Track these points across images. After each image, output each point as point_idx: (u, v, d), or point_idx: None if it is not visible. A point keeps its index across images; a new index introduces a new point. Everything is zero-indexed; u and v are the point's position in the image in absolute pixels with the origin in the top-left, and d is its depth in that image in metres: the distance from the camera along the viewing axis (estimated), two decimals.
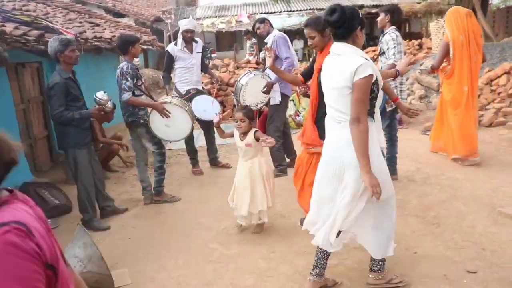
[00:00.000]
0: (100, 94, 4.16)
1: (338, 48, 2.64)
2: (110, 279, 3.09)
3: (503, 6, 19.38)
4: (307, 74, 3.81)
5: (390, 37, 4.43)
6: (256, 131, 3.84)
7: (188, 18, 5.66)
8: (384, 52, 4.50)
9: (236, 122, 3.84)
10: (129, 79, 4.45)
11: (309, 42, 3.49)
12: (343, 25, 2.56)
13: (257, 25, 5.36)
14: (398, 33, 4.47)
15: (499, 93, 7.96)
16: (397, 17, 4.60)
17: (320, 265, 2.90)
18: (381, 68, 4.62)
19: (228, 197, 4.05)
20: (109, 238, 4.13)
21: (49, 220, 4.38)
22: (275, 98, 5.24)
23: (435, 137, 5.87)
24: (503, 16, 18.85)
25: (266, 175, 3.86)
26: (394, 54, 4.37)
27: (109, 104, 4.18)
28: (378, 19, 4.63)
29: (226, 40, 22.92)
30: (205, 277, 3.28)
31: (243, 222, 3.93)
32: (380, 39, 4.67)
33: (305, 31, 3.52)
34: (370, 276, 2.96)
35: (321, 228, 2.80)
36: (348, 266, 3.26)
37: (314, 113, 3.43)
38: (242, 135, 3.85)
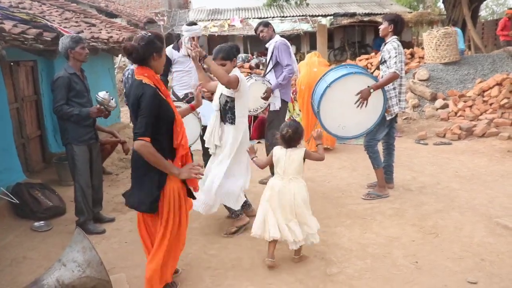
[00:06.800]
0: (102, 94, 4.15)
1: None
2: (109, 285, 3.03)
3: (491, 18, 19.67)
4: None
5: (391, 46, 4.45)
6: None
7: (195, 24, 5.47)
8: (385, 61, 4.52)
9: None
10: None
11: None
12: None
13: (261, 27, 5.23)
14: (399, 43, 4.50)
15: (491, 104, 8.07)
16: (400, 27, 4.62)
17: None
18: (382, 76, 4.64)
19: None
20: (105, 242, 4.05)
21: (42, 222, 4.38)
22: (275, 104, 5.21)
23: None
24: (491, 28, 19.17)
25: None
26: (395, 63, 4.38)
27: (112, 103, 4.16)
28: (381, 27, 4.63)
29: (218, 44, 22.73)
30: (203, 284, 3.25)
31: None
32: (381, 48, 4.69)
33: None
34: None
35: None
36: None
37: None
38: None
